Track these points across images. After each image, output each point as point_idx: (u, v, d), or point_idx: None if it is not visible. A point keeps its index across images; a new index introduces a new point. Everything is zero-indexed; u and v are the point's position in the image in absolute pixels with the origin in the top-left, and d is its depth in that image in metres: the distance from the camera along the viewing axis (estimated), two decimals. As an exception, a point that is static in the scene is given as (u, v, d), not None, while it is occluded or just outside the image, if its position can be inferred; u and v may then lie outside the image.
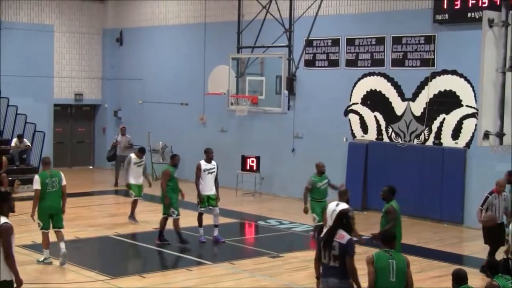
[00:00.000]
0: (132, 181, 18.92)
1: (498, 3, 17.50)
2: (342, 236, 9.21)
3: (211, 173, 16.64)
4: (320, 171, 16.37)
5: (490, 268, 9.75)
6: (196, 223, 16.73)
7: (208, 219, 16.78)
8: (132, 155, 19.21)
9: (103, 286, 12.90)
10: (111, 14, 29.69)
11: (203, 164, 16.67)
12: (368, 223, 19.68)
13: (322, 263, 9.31)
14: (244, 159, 23.55)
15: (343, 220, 9.45)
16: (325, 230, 9.97)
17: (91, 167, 30.04)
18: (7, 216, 9.17)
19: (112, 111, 29.68)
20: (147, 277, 13.53)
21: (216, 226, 16.68)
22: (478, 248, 16.24)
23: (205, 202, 16.58)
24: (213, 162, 16.79)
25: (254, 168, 23.49)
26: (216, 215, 16.71)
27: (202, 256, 15.63)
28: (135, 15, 28.76)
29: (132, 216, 18.84)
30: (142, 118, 28.30)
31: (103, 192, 23.90)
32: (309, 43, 21.96)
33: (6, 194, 9.77)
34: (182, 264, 14.86)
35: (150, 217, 19.04)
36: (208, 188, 16.61)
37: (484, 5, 18.24)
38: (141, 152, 19.39)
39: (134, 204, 18.93)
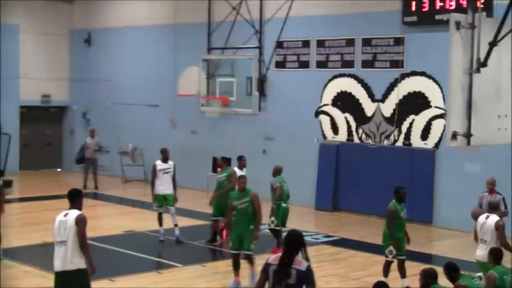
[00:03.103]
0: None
1: (464, 6, 17.67)
2: (300, 263, 8.00)
3: (167, 172, 16.91)
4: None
5: (450, 269, 9.84)
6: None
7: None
8: (236, 169, 16.90)
9: (73, 289, 12.79)
10: (79, 15, 29.45)
11: (159, 164, 16.99)
12: (340, 224, 19.81)
13: None
14: (215, 160, 23.47)
15: (299, 245, 8.12)
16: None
17: (59, 169, 29.75)
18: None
19: (80, 113, 29.44)
20: (117, 281, 13.45)
21: (175, 225, 16.87)
22: (447, 248, 16.38)
23: (162, 202, 16.84)
24: (170, 162, 17.06)
25: (225, 170, 23.41)
26: (173, 215, 16.95)
27: (172, 259, 15.59)
28: (104, 16, 28.59)
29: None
30: (111, 120, 28.08)
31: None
32: (279, 44, 22.01)
33: (79, 191, 10.44)
34: (152, 267, 14.81)
35: (119, 220, 18.96)
36: (164, 187, 16.84)
37: (451, 8, 18.41)
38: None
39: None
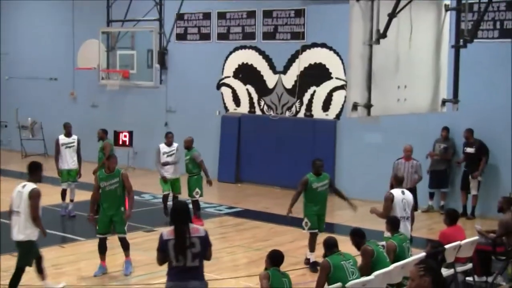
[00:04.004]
0: (163, 174, 16.51)
1: (364, -22, 17.90)
2: (197, 229, 8.18)
3: (70, 147, 16.87)
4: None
5: (356, 234, 10.06)
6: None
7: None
8: (162, 145, 16.67)
9: (-27, 267, 12.51)
10: (-26, -14, 28.51)
11: (61, 139, 16.95)
12: (242, 195, 19.95)
13: (175, 267, 8.07)
14: (116, 134, 23.25)
15: (189, 214, 8.27)
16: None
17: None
18: (35, 183, 10.72)
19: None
20: (18, 256, 13.20)
21: (71, 200, 16.84)
22: (348, 217, 16.68)
23: (65, 177, 16.83)
24: (73, 136, 17.04)
25: (127, 143, 23.26)
26: (73, 190, 16.95)
27: (75, 233, 15.44)
28: (0, -13, 27.75)
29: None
30: (9, 94, 27.42)
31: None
32: (180, 16, 21.84)
33: (39, 164, 11.06)
34: (55, 241, 14.59)
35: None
36: (67, 162, 16.81)
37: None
38: (169, 137, 16.77)
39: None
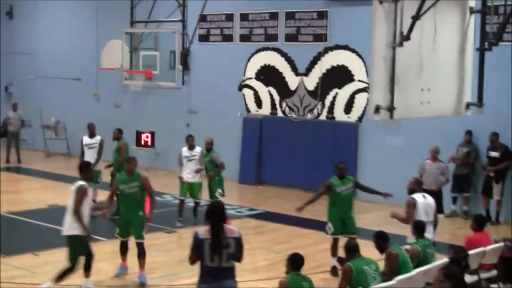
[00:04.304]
0: (183, 176, 16.26)
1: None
2: (232, 231, 8.17)
3: (92, 148, 17.08)
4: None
5: (380, 237, 9.99)
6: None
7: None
8: (184, 148, 16.31)
9: (-5, 265, 12.59)
10: (0, -13, 28.75)
11: (85, 139, 17.27)
12: (263, 197, 19.94)
13: (209, 267, 8.05)
14: (138, 134, 23.34)
15: (224, 215, 8.30)
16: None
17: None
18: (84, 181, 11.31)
19: (2, 86, 28.83)
20: (40, 255, 13.30)
21: (93, 201, 16.70)
22: (370, 220, 16.61)
23: None
24: (96, 137, 17.25)
25: (149, 144, 23.33)
26: (95, 190, 16.76)
27: (96, 233, 15.43)
28: (25, -13, 27.93)
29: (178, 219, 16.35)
30: (34, 93, 27.63)
31: (-6, 169, 23.25)
32: (203, 18, 21.89)
33: (88, 163, 12.21)
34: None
35: (43, 194, 18.66)
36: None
37: (375, -18, 18.54)
38: (189, 140, 16.34)
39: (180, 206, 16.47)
